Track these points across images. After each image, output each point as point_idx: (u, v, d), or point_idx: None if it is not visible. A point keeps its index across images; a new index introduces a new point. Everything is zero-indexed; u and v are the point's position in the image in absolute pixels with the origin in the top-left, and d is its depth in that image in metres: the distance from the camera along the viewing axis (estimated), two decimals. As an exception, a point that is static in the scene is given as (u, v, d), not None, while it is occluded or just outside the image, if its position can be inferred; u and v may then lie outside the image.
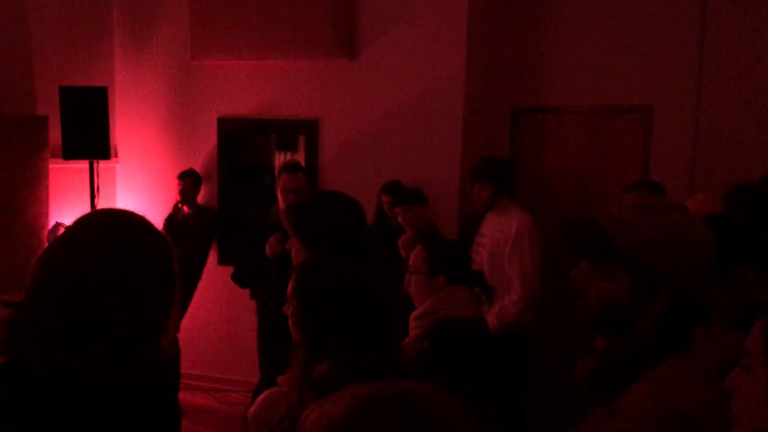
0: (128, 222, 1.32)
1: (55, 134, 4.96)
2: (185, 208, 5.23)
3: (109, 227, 1.30)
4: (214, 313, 5.37)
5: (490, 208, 3.86)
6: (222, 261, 5.33)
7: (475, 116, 4.90)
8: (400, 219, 3.91)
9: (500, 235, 3.75)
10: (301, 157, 5.17)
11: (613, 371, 1.35)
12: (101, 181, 5.19)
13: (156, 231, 1.34)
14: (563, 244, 1.43)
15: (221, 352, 5.41)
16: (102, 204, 5.19)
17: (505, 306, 3.66)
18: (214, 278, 5.19)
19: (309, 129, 5.12)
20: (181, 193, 5.19)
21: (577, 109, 4.91)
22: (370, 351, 1.65)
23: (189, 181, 5.19)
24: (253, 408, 1.84)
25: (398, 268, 3.11)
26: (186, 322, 5.02)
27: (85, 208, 5.15)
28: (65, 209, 5.20)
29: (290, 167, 3.47)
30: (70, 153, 4.84)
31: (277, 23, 4.96)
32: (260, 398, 1.87)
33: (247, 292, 3.89)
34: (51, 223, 5.02)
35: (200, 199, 5.33)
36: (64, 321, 1.20)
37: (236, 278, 3.70)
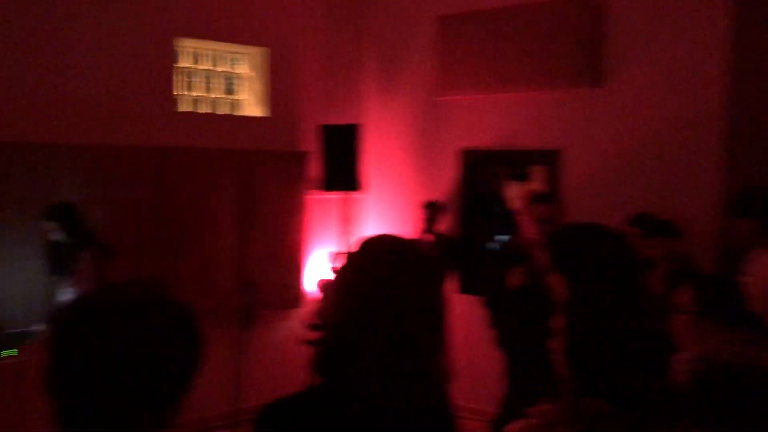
0: (410, 249, 1.43)
1: (311, 168, 5.49)
2: (428, 236, 5.44)
3: (393, 253, 1.41)
4: (455, 340, 5.46)
5: (759, 245, 3.51)
6: (464, 289, 5.44)
7: (737, 142, 4.50)
8: (652, 252, 3.70)
9: (772, 275, 3.38)
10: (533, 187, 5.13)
11: None
12: (352, 211, 5.62)
13: (432, 257, 1.43)
14: None
15: (460, 379, 5.47)
16: (354, 233, 5.60)
17: (779, 353, 3.28)
18: (455, 306, 5.30)
19: (550, 159, 5.08)
20: (426, 221, 5.42)
21: None
22: (637, 390, 1.59)
23: (432, 210, 5.42)
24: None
25: (647, 303, 2.94)
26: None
27: (337, 237, 5.61)
28: (320, 237, 5.70)
29: (542, 197, 3.50)
30: (329, 185, 5.31)
31: (519, 56, 5.01)
32: (514, 429, 1.86)
33: (485, 320, 3.94)
34: (308, 249, 5.55)
35: (441, 227, 5.52)
36: (366, 344, 1.32)
37: (489, 305, 3.78)
